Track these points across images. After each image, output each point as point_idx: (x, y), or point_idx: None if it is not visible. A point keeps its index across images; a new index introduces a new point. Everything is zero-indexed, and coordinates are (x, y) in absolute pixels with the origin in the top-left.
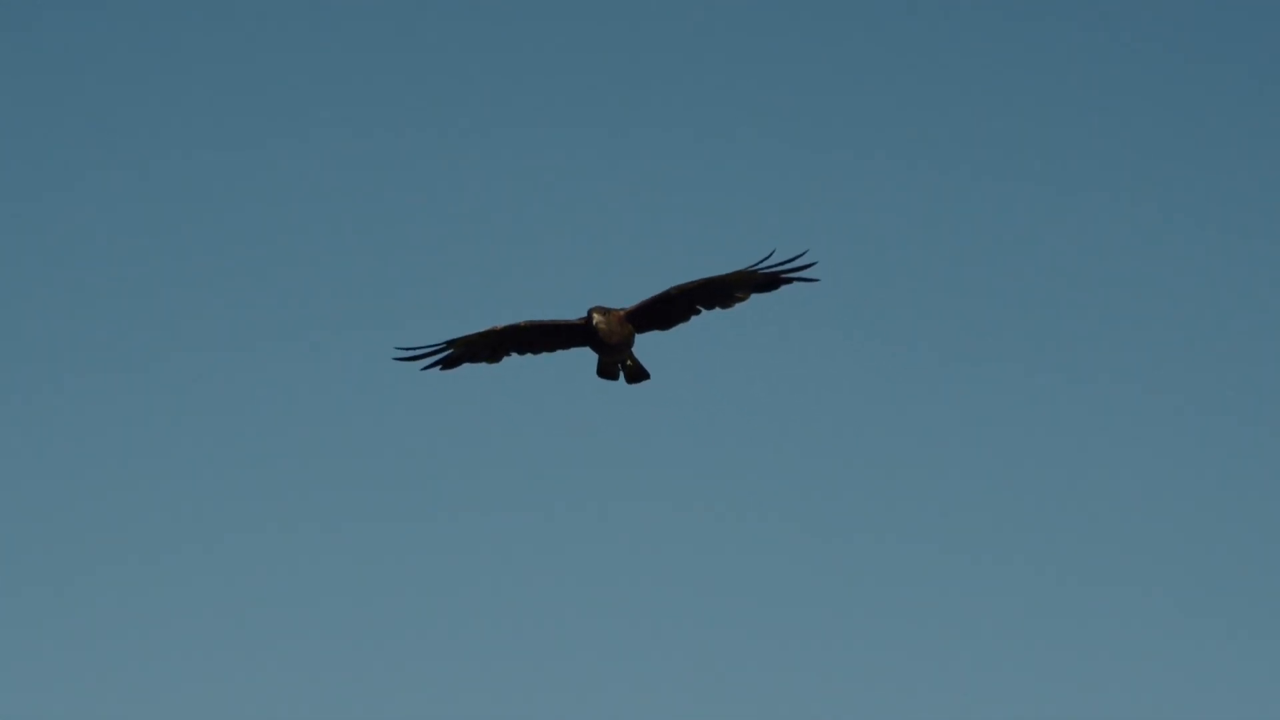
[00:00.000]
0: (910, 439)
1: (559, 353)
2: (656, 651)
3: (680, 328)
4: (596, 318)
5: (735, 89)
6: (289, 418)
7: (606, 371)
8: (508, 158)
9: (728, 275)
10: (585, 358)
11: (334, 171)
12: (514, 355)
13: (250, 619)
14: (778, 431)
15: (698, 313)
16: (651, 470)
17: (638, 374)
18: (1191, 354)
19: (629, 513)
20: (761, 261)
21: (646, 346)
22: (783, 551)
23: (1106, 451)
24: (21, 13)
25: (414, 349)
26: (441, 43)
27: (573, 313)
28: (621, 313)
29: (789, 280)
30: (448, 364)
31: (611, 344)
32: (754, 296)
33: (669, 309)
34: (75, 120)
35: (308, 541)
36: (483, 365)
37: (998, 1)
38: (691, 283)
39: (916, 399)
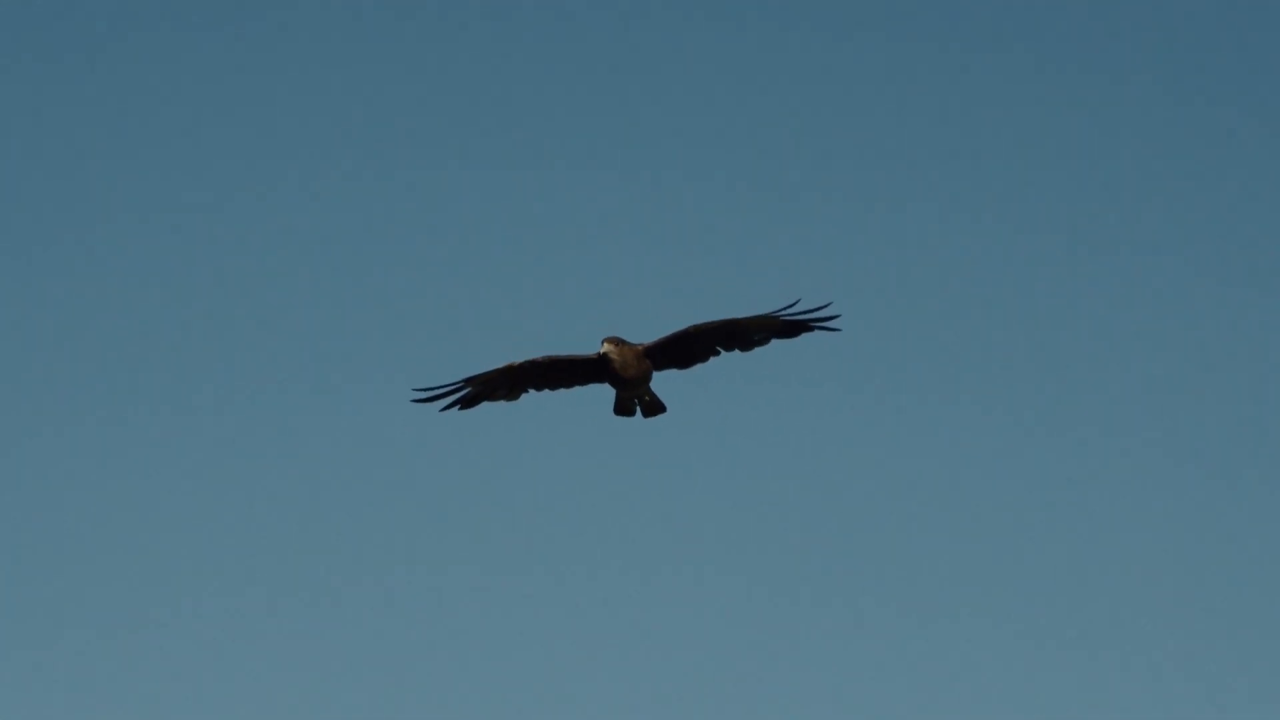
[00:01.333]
0: (926, 486)
1: (578, 389)
2: (661, 688)
3: (698, 367)
4: (608, 347)
5: (764, 130)
6: (307, 462)
7: (623, 408)
8: (528, 196)
9: (750, 319)
10: (603, 394)
11: (347, 207)
12: (532, 392)
13: (269, 665)
14: (792, 475)
15: (717, 354)
16: (663, 510)
17: (654, 408)
18: (1219, 405)
19: (640, 552)
20: (786, 308)
21: (663, 383)
22: (792, 595)
23: (1134, 503)
24: (23, 16)
25: (431, 389)
26: (460, 72)
27: (591, 348)
28: (639, 347)
29: (811, 328)
30: (466, 403)
31: (626, 377)
32: (774, 341)
33: (688, 347)
34: (69, 155)
35: (327, 588)
36: (501, 403)
37: (1032, 49)
38: (712, 322)
39: (933, 445)
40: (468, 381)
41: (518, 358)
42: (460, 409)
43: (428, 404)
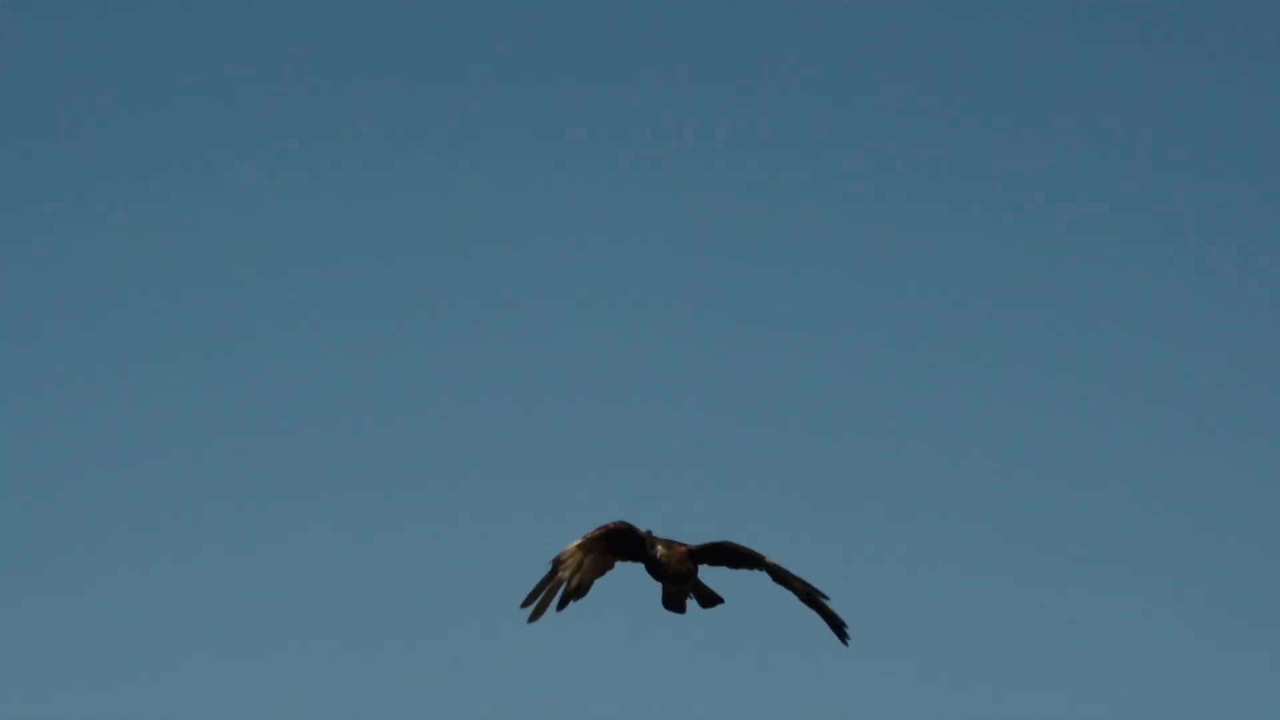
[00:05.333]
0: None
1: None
2: None
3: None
4: (661, 550)
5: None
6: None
7: (674, 604)
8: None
9: (789, 575)
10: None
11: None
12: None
13: None
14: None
15: (751, 570)
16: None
17: (710, 599)
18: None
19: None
20: (820, 597)
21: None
22: None
23: None
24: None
25: (533, 593)
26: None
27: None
28: (683, 549)
29: (827, 620)
30: (579, 594)
31: (667, 575)
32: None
33: (726, 557)
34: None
35: None
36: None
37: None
38: (746, 550)
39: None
40: (555, 563)
41: (575, 536)
42: (576, 600)
43: (537, 613)
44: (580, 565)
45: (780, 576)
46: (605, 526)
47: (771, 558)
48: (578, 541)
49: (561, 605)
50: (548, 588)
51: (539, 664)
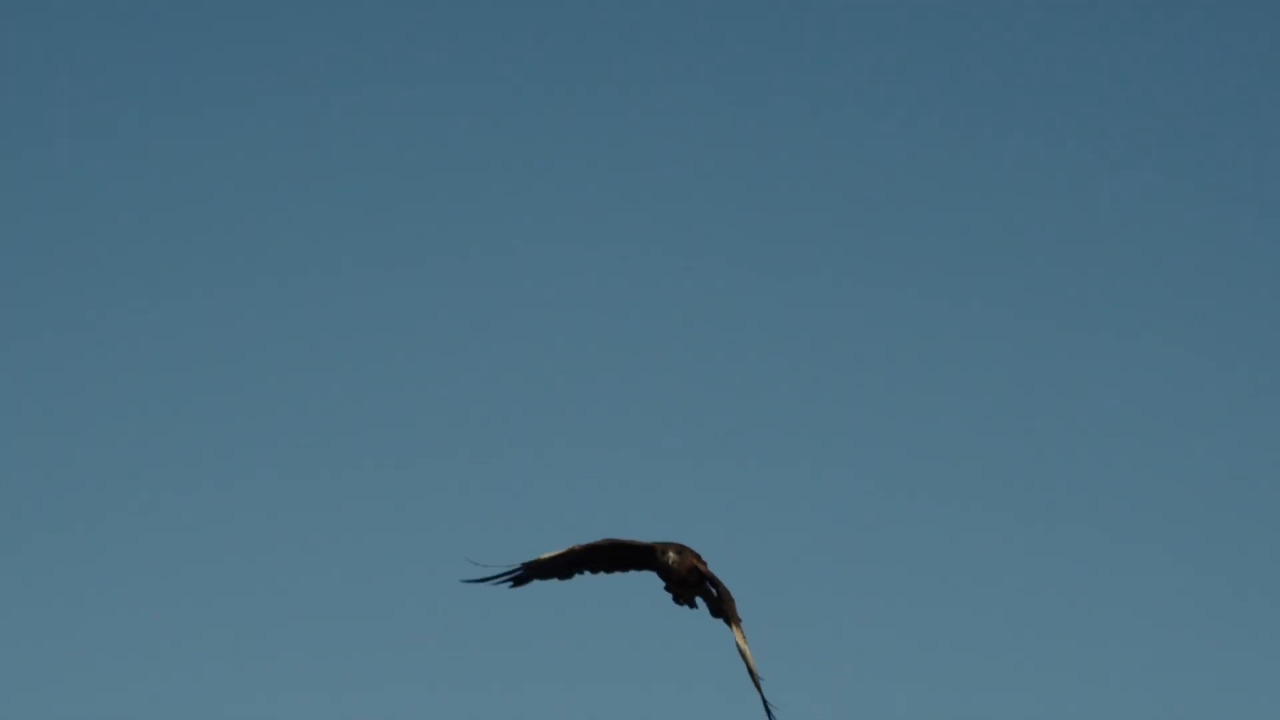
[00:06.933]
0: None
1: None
2: None
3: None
4: (673, 556)
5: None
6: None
7: (681, 599)
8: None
9: (745, 655)
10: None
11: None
12: (586, 574)
13: None
14: None
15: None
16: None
17: (727, 618)
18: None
19: None
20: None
21: None
22: None
23: None
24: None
25: (487, 571)
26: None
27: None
28: (694, 560)
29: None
30: (518, 583)
31: (672, 580)
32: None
33: (719, 596)
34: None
35: None
36: (553, 581)
37: None
38: (732, 611)
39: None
40: (526, 567)
41: (579, 541)
42: (511, 587)
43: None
44: (544, 567)
45: (742, 648)
46: (594, 545)
47: (740, 632)
48: (560, 552)
49: (518, 583)
50: (504, 574)
51: (538, 664)
